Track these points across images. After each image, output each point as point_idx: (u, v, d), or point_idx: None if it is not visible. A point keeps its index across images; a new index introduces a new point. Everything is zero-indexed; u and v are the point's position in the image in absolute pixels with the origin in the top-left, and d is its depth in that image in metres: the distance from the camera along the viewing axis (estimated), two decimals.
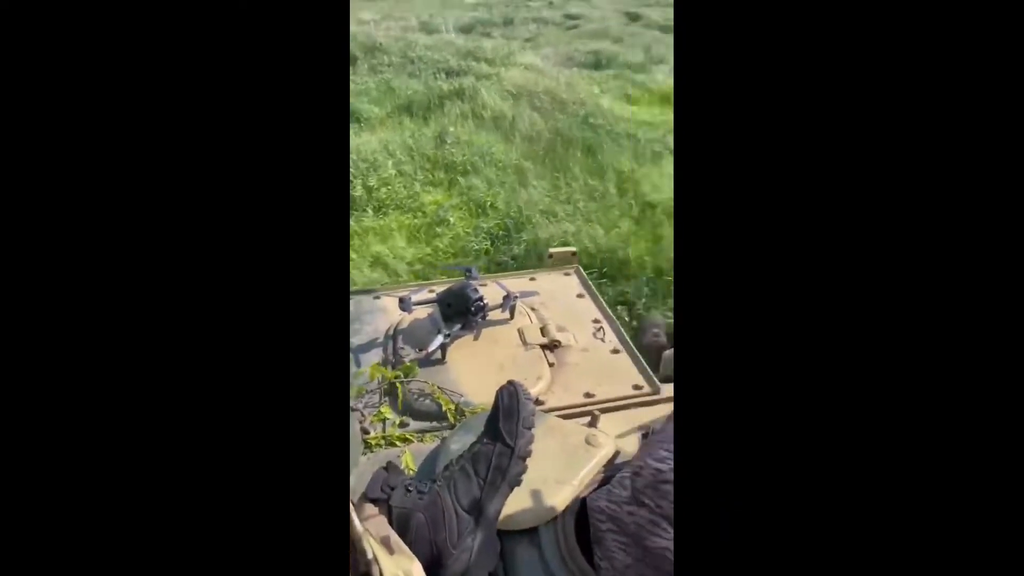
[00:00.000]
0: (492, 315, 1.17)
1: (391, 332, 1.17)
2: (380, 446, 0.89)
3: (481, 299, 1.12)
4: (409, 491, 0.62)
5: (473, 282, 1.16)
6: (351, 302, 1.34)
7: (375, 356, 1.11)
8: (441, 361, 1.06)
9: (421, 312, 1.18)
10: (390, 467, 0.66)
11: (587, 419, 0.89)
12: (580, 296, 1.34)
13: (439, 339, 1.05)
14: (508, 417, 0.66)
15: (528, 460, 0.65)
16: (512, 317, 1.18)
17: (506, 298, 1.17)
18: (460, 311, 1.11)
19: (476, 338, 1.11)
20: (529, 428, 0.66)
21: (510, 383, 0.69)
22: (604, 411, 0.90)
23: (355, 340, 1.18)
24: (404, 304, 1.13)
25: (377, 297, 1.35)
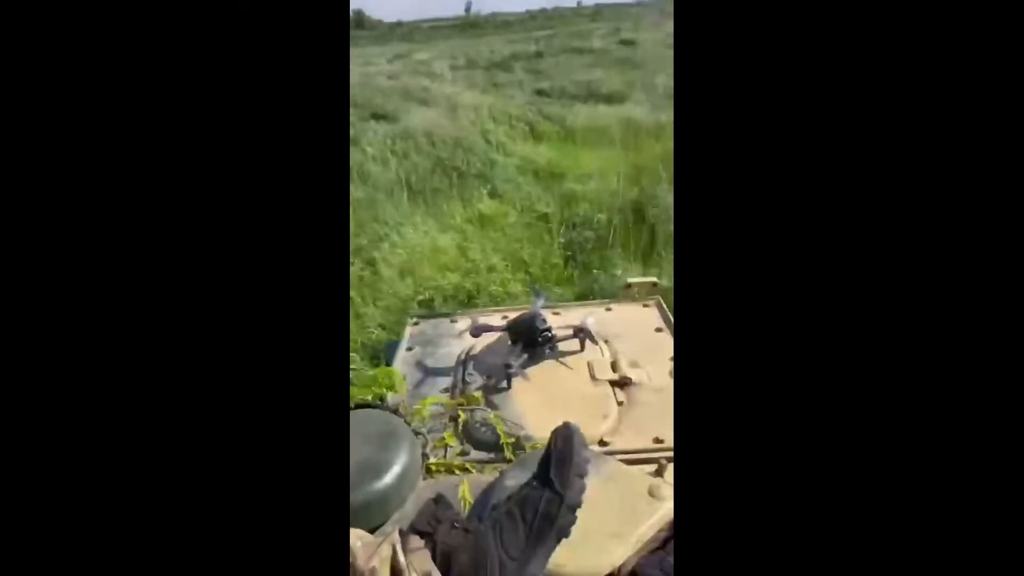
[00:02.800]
0: (564, 345, 1.15)
1: (463, 357, 1.18)
2: (440, 473, 0.89)
3: (548, 330, 1.10)
4: (455, 528, 0.61)
5: (544, 311, 1.15)
6: (428, 325, 1.38)
7: (447, 381, 1.13)
8: (505, 389, 1.05)
9: (492, 338, 1.19)
10: (440, 500, 0.66)
11: (653, 467, 0.83)
12: (659, 330, 1.27)
13: (514, 370, 1.04)
14: (560, 463, 0.63)
15: (579, 510, 0.62)
16: (583, 349, 1.15)
17: (578, 330, 1.15)
18: (528, 342, 1.10)
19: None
20: (582, 477, 0.62)
21: (566, 426, 0.66)
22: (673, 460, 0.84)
23: (429, 362, 1.21)
24: (474, 331, 1.14)
25: (454, 320, 1.38)
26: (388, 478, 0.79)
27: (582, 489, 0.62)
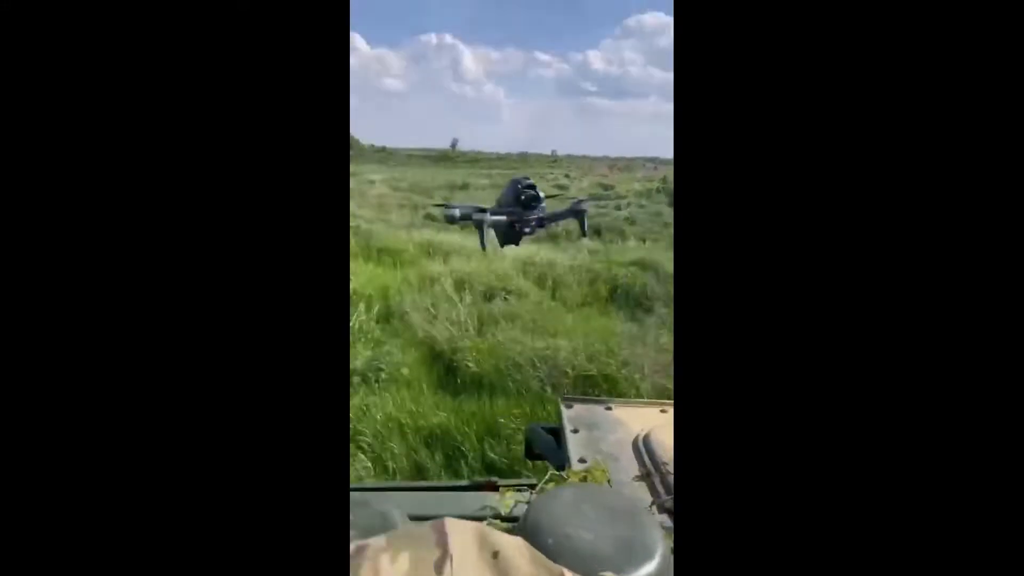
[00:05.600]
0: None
1: (640, 445, 1.18)
2: None
3: (532, 186, 0.98)
4: None
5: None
6: (583, 408, 1.38)
7: (630, 465, 1.12)
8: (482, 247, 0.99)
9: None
10: None
11: None
12: None
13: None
14: None
15: None
16: (584, 234, 1.07)
17: (576, 211, 1.02)
18: (517, 204, 0.98)
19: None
20: None
21: None
22: None
23: (603, 447, 1.20)
24: (450, 217, 1.01)
25: (608, 408, 1.38)
26: (658, 559, 0.78)
27: None
